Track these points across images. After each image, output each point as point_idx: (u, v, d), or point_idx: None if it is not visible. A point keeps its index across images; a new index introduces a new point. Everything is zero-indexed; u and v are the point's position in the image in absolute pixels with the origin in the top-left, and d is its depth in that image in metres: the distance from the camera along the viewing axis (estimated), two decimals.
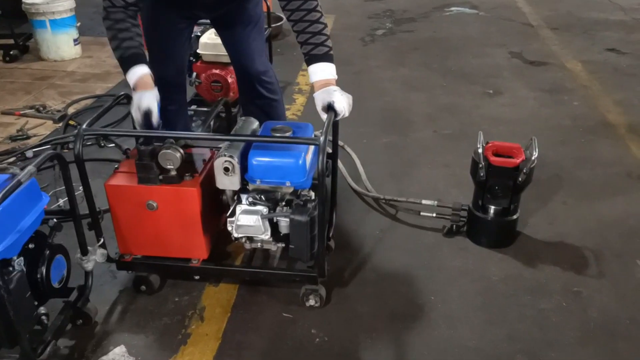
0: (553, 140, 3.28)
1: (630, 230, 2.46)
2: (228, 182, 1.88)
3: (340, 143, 3.14)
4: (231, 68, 3.22)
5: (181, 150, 1.86)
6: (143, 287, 2.09)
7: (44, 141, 3.22)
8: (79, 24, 4.61)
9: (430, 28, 5.44)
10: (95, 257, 1.92)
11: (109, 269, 2.24)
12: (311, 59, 1.91)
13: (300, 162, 1.84)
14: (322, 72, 1.90)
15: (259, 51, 2.48)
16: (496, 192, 2.26)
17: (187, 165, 1.93)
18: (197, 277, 2.14)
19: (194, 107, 3.43)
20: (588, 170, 2.96)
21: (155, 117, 1.85)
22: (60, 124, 3.45)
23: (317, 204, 1.80)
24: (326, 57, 1.91)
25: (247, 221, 1.87)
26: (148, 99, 1.84)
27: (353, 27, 5.44)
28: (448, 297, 2.09)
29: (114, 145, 3.26)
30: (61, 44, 4.53)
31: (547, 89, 4.04)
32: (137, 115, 1.86)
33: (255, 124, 2.11)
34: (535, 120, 3.56)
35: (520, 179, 2.19)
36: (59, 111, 3.61)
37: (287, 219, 1.84)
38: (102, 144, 3.23)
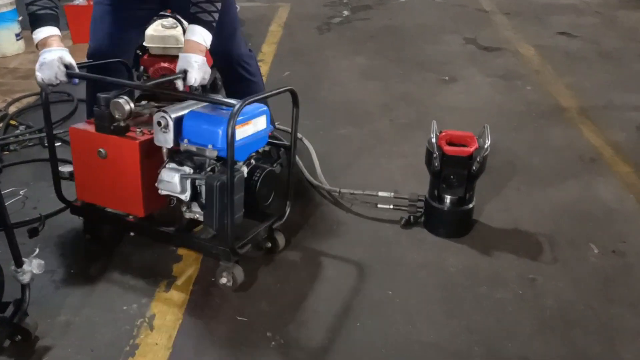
0: (507, 126, 3.31)
1: (582, 214, 2.50)
2: (162, 139, 1.94)
3: (299, 135, 3.08)
4: None
5: (131, 104, 1.91)
6: (88, 236, 2.24)
7: None
8: (20, 18, 4.39)
9: (386, 16, 5.41)
10: (32, 268, 1.81)
11: (52, 279, 2.13)
12: (195, 20, 2.03)
13: (224, 125, 1.80)
14: (199, 35, 2.02)
15: (234, 33, 2.48)
16: (451, 181, 2.24)
17: (149, 122, 2.01)
18: (132, 234, 2.26)
19: (144, 102, 3.30)
20: (541, 156, 2.99)
21: (74, 69, 2.01)
22: (0, 124, 3.27)
23: (229, 173, 1.79)
24: (208, 26, 2.03)
25: (168, 177, 1.91)
26: (60, 52, 1.97)
27: (309, 16, 5.37)
28: (406, 291, 2.06)
29: (60, 143, 3.10)
30: (2, 40, 4.31)
31: (501, 74, 4.07)
32: (47, 73, 1.96)
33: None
34: (490, 106, 3.58)
35: (474, 168, 2.18)
36: None
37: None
38: (46, 144, 3.07)
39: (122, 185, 2.02)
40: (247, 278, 2.10)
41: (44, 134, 3.13)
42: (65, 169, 2.81)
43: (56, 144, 3.04)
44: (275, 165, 2.09)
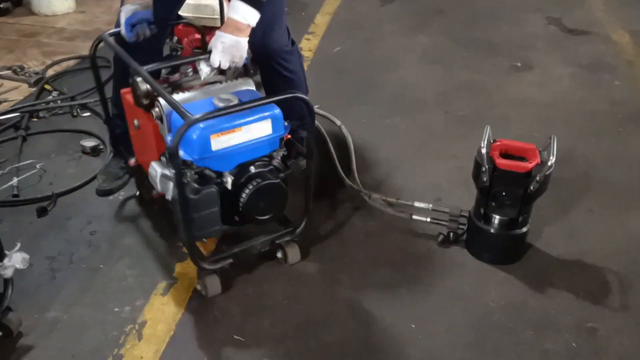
0: (585, 129, 2.82)
1: None
2: (160, 130, 1.80)
3: (338, 123, 2.77)
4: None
5: (147, 85, 1.74)
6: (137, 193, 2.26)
7: (11, 108, 2.94)
8: None
9: None
10: (13, 263, 1.64)
11: (50, 267, 1.97)
12: None
13: (196, 135, 1.61)
14: (239, 12, 1.71)
15: (275, 23, 2.10)
16: (502, 200, 1.87)
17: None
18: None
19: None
20: (623, 171, 2.51)
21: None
22: (35, 89, 3.16)
23: (178, 185, 1.60)
24: (254, 2, 1.71)
25: (152, 171, 1.73)
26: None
27: None
28: (433, 327, 1.74)
29: (89, 114, 2.96)
30: None
31: (586, 64, 3.52)
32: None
33: (245, 85, 1.87)
34: (567, 103, 3.08)
35: (532, 188, 1.79)
36: (36, 73, 3.31)
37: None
38: (76, 113, 2.94)
39: (148, 157, 1.89)
40: (253, 289, 1.86)
41: (75, 102, 2.99)
42: (88, 143, 2.66)
43: (84, 114, 2.96)
44: (283, 174, 1.77)
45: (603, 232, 2.13)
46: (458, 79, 3.33)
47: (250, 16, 1.70)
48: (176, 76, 1.88)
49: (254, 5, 1.70)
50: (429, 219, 2.08)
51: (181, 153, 1.61)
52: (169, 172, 1.66)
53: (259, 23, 1.77)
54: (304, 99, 1.67)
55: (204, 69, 1.76)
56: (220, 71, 1.79)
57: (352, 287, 1.89)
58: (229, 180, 1.69)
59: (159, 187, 1.70)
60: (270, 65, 2.17)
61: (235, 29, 1.71)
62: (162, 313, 1.80)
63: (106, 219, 2.19)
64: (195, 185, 1.64)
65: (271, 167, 1.77)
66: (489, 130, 1.89)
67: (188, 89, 1.84)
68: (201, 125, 1.59)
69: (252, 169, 1.73)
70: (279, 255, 1.96)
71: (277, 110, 1.70)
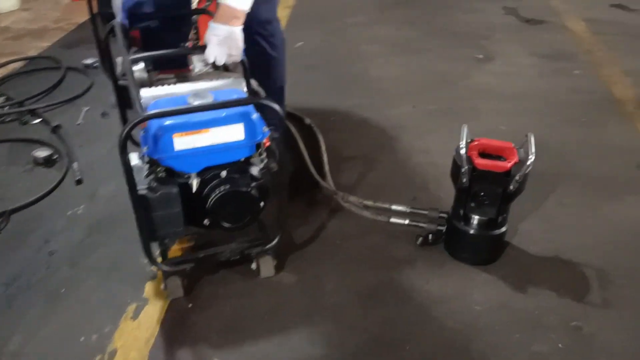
0: (553, 120, 2.84)
1: None
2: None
3: (307, 121, 2.69)
4: None
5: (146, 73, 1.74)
6: None
7: None
8: None
9: None
10: None
11: (5, 294, 1.82)
12: None
13: (158, 133, 1.53)
14: None
15: None
16: (482, 200, 1.83)
17: None
18: None
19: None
20: (592, 160, 2.53)
21: None
22: None
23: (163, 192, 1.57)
24: None
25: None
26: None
27: None
28: (420, 334, 1.69)
29: (40, 120, 2.77)
30: None
31: (546, 53, 3.55)
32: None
33: (235, 85, 1.75)
34: (531, 93, 3.09)
35: (511, 187, 1.76)
36: None
37: None
38: (25, 120, 2.74)
39: None
40: (231, 306, 1.77)
41: (24, 108, 2.79)
42: (40, 153, 2.49)
43: (34, 122, 2.77)
44: (252, 185, 1.66)
45: (578, 225, 2.14)
46: (423, 71, 3.30)
47: (245, 0, 1.60)
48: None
49: None
50: (407, 222, 2.03)
51: (144, 149, 1.55)
52: (140, 164, 1.59)
53: None
54: (274, 109, 1.57)
55: (197, 64, 1.69)
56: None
57: (334, 297, 1.82)
58: (194, 183, 1.62)
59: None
60: (254, 40, 2.03)
61: (230, 17, 1.61)
62: (134, 339, 1.69)
63: (65, 237, 2.05)
64: (155, 184, 1.59)
65: (245, 173, 1.67)
66: (466, 130, 1.85)
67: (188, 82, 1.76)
68: (164, 123, 1.51)
69: (224, 174, 1.64)
70: (253, 266, 1.88)
71: (254, 115, 1.60)
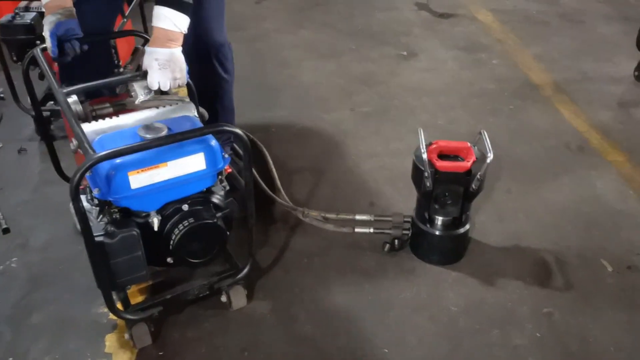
0: (481, 110, 2.94)
1: (585, 219, 2.18)
2: None
3: (250, 135, 2.59)
4: None
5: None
6: None
7: None
8: None
9: None
10: None
11: None
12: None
13: (110, 173, 1.40)
14: (166, 19, 1.52)
15: (217, 18, 1.94)
16: (444, 201, 1.85)
17: None
18: None
19: (50, 103, 2.67)
20: (524, 145, 2.65)
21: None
22: None
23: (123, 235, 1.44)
24: (180, 5, 1.52)
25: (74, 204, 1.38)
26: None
27: None
28: (405, 347, 1.68)
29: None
30: None
31: (463, 46, 3.68)
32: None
33: (184, 111, 1.63)
34: (458, 86, 3.19)
35: (473, 186, 1.79)
36: None
37: None
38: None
39: None
40: (205, 347, 1.65)
41: None
42: None
43: None
44: (218, 215, 1.56)
45: (526, 211, 2.22)
46: (352, 72, 3.30)
47: (181, 22, 1.52)
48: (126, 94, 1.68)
49: (183, 10, 1.50)
50: (372, 230, 2.01)
51: (95, 192, 1.42)
52: (88, 206, 1.47)
53: (205, 17, 1.65)
54: (239, 136, 1.48)
55: (138, 91, 1.55)
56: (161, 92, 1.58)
57: (311, 320, 1.76)
58: (155, 221, 1.49)
59: (74, 220, 1.48)
60: (210, 62, 1.97)
61: (166, 40, 1.52)
62: None
63: (1, 296, 1.82)
64: (112, 228, 1.44)
65: (208, 204, 1.57)
66: (422, 133, 1.85)
67: (129, 111, 1.61)
68: (116, 161, 1.38)
69: (185, 207, 1.53)
70: (223, 299, 1.77)
71: (213, 142, 1.50)
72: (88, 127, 1.51)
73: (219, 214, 1.57)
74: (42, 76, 2.50)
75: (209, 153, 1.49)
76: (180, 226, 1.52)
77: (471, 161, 1.79)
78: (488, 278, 1.91)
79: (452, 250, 1.96)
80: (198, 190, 1.55)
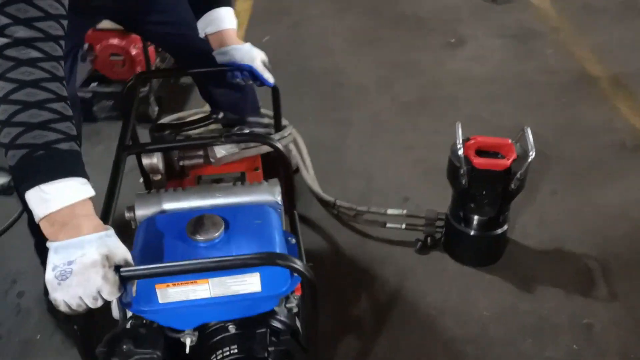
0: (529, 102, 2.78)
1: (636, 225, 2.03)
2: None
3: (285, 122, 2.54)
4: (134, 36, 2.51)
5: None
6: None
7: None
8: None
9: None
10: None
11: None
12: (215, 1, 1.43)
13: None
14: (233, 20, 1.45)
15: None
16: (481, 200, 1.75)
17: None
18: None
19: (94, 84, 2.70)
20: (574, 143, 2.49)
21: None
22: None
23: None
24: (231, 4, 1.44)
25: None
26: (102, 240, 0.90)
27: None
28: (431, 352, 1.61)
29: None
30: None
31: (515, 33, 3.49)
32: (80, 291, 0.87)
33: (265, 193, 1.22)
34: (507, 75, 3.03)
35: (513, 186, 1.69)
36: None
37: None
38: None
39: None
40: None
41: None
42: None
43: None
44: (270, 350, 1.12)
45: (572, 214, 2.09)
46: (395, 60, 3.19)
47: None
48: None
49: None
50: (404, 226, 1.94)
51: (117, 297, 0.96)
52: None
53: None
54: (301, 272, 0.99)
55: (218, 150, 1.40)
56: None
57: (334, 320, 1.70)
58: (187, 342, 1.11)
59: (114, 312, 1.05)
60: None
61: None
62: None
63: (33, 275, 1.85)
64: (128, 347, 1.02)
65: (264, 330, 1.12)
66: (460, 128, 1.75)
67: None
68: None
69: (232, 329, 1.13)
70: None
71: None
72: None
73: (272, 348, 1.12)
74: (84, 57, 2.55)
75: (268, 274, 1.05)
76: (220, 354, 1.12)
77: (511, 159, 1.69)
78: (524, 283, 1.81)
79: (487, 251, 1.87)
80: (249, 314, 1.13)
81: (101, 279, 0.85)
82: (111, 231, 0.92)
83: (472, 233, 1.82)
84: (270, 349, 1.11)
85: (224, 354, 1.11)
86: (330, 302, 1.75)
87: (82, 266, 0.85)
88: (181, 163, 1.45)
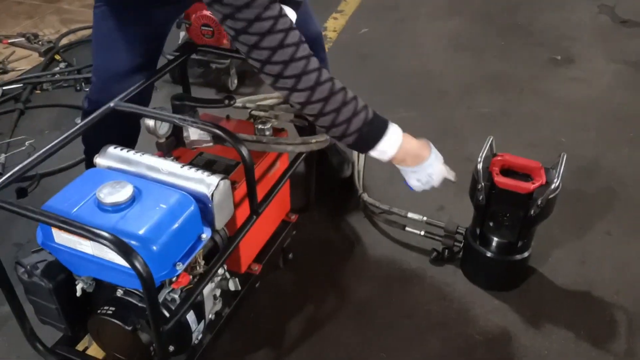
0: (619, 137, 2.53)
1: None
2: None
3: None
4: None
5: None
6: None
7: (16, 79, 2.89)
8: None
9: None
10: None
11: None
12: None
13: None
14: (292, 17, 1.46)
15: (312, 10, 1.86)
16: (501, 220, 1.66)
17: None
18: None
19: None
20: None
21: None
22: (44, 58, 3.10)
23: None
24: (297, 4, 1.48)
25: None
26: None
27: None
28: (404, 357, 1.58)
29: None
30: None
31: (633, 60, 3.17)
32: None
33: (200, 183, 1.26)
34: (604, 104, 2.78)
35: (532, 212, 1.58)
36: (49, 42, 3.26)
37: None
38: (79, 87, 2.87)
39: None
40: None
41: (80, 76, 2.91)
42: None
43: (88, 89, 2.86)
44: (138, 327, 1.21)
45: (619, 259, 1.90)
46: (488, 70, 3.06)
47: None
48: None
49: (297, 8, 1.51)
50: (422, 232, 1.90)
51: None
52: None
53: (306, 10, 1.59)
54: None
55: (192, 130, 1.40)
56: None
57: (324, 305, 1.74)
58: (78, 287, 1.26)
59: None
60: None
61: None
62: None
63: None
64: (36, 268, 1.24)
65: (140, 306, 1.22)
66: (491, 141, 1.68)
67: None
68: (48, 203, 1.16)
69: (119, 293, 1.24)
70: None
71: (155, 247, 1.09)
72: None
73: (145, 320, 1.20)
74: (179, 24, 2.79)
75: (144, 254, 1.04)
76: (102, 310, 1.22)
77: (537, 184, 1.58)
78: (534, 318, 1.69)
79: (500, 276, 1.77)
80: (127, 286, 1.22)
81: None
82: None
83: (488, 254, 1.73)
84: (137, 326, 1.19)
85: (103, 310, 1.21)
86: (326, 288, 1.79)
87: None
88: (185, 134, 1.41)
